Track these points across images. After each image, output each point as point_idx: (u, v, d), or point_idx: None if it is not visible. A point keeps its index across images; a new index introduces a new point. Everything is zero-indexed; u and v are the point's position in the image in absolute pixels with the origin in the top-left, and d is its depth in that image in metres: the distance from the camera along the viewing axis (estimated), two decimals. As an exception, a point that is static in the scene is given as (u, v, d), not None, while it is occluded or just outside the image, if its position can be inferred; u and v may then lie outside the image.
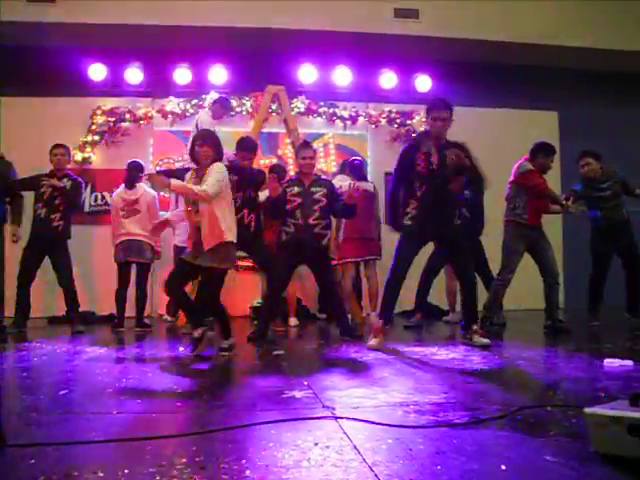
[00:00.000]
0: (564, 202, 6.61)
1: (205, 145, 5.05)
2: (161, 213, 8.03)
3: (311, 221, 6.18)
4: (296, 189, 6.29)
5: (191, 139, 5.58)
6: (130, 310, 7.44)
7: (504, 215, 6.80)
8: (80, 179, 7.46)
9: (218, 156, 5.15)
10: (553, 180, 8.00)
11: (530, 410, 3.15)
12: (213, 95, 8.34)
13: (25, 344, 6.06)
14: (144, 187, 7.64)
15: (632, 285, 7.19)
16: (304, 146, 6.65)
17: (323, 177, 7.05)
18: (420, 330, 7.32)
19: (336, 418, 3.04)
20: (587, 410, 2.44)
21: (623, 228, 7.18)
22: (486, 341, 5.57)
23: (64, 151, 7.32)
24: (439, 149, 5.68)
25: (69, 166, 7.63)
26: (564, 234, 9.13)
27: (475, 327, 5.77)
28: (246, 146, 6.69)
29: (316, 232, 6.20)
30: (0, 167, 6.99)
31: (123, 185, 7.64)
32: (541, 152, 6.72)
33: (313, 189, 6.32)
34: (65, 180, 7.16)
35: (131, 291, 7.51)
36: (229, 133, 8.42)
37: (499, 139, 9.15)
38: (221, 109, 7.70)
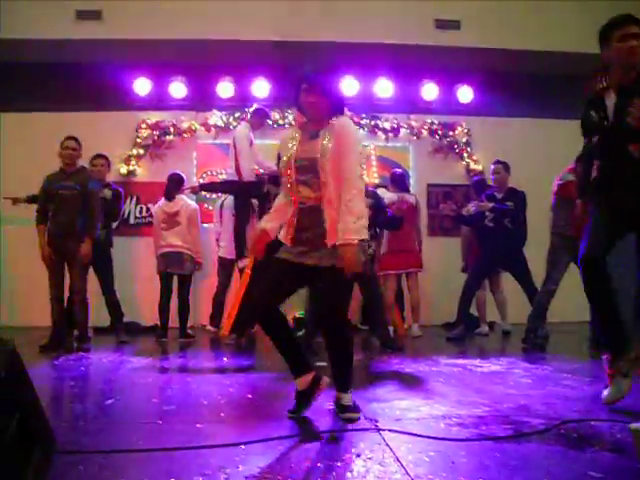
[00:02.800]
0: None
1: (312, 94, 3.47)
2: (204, 225, 8.13)
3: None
4: None
5: None
6: (174, 321, 7.52)
7: (549, 227, 6.75)
8: (121, 189, 7.57)
9: (338, 108, 3.59)
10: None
11: (574, 424, 3.12)
12: (254, 108, 8.43)
13: (72, 354, 6.17)
14: (185, 199, 7.73)
15: None
16: None
17: (369, 188, 6.92)
18: (463, 342, 7.27)
19: (379, 430, 3.05)
20: (633, 425, 2.42)
21: None
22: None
23: (104, 162, 7.43)
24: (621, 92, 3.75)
25: (110, 176, 7.76)
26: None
27: None
28: None
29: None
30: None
31: (164, 198, 7.74)
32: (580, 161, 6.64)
33: None
34: (106, 190, 7.26)
35: (175, 302, 7.59)
36: (272, 145, 8.47)
37: (546, 149, 9.06)
38: (259, 119, 7.76)
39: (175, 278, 7.59)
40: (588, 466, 2.45)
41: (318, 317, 3.44)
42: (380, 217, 6.28)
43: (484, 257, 7.57)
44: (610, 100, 3.79)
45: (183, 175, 7.91)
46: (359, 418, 3.32)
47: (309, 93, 3.47)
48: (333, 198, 3.34)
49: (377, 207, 6.32)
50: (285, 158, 3.52)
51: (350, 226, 3.20)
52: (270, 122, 8.84)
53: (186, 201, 7.73)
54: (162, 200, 7.72)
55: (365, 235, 3.33)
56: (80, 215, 6.37)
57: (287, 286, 3.52)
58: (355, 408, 3.41)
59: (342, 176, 3.32)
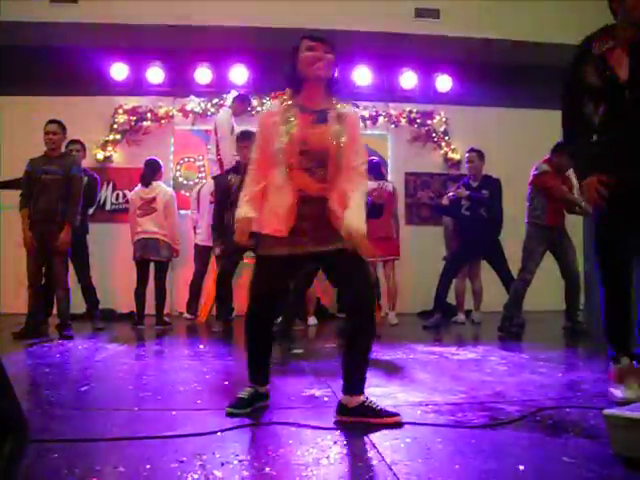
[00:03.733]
0: (582, 204, 6.44)
1: (320, 50, 3.21)
2: (180, 212, 8.09)
3: None
4: None
5: None
6: (151, 308, 7.49)
7: (525, 216, 6.79)
8: (96, 175, 7.50)
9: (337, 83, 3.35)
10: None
11: (549, 411, 3.15)
12: (234, 94, 8.38)
13: (47, 341, 6.12)
14: (161, 185, 7.69)
15: None
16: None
17: None
18: (439, 330, 7.31)
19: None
20: (607, 412, 2.43)
21: None
22: None
23: (79, 147, 7.35)
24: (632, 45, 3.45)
25: (86, 162, 7.67)
26: (585, 234, 9.08)
27: None
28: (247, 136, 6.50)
29: None
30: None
31: (140, 183, 7.68)
32: (555, 152, 6.68)
33: None
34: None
35: (151, 289, 7.55)
36: (251, 132, 8.45)
37: (522, 139, 9.10)
38: (241, 105, 7.73)
39: (152, 265, 7.55)
40: (562, 452, 2.47)
41: (353, 306, 3.05)
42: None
43: (460, 246, 7.61)
44: (617, 59, 3.43)
45: (160, 161, 7.85)
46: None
47: (317, 49, 3.17)
48: (342, 190, 3.09)
49: None
50: (284, 140, 3.07)
51: (360, 216, 3.04)
52: (249, 109, 8.78)
53: (163, 187, 7.68)
54: (138, 186, 7.67)
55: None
56: (62, 201, 6.28)
57: (284, 282, 3.34)
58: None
59: (351, 166, 3.13)
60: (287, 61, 3.28)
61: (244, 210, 3.17)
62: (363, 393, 3.09)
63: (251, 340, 3.26)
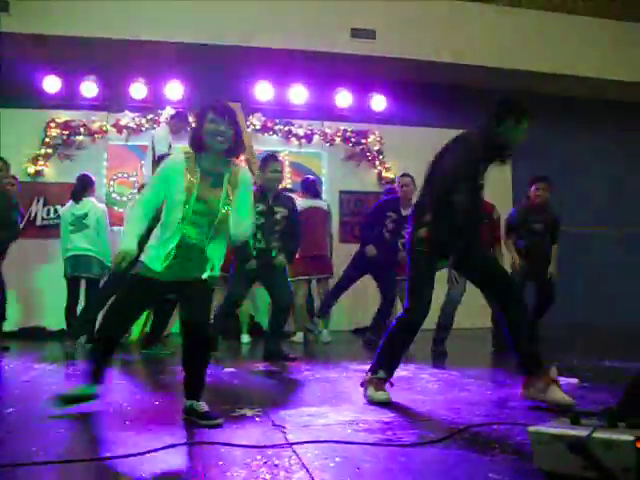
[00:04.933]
0: None
1: (222, 123, 3.50)
2: (113, 228, 7.96)
3: (273, 244, 6.06)
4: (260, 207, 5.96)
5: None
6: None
7: None
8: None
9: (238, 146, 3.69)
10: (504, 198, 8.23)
11: (477, 428, 3.21)
12: (169, 110, 8.32)
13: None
14: (93, 201, 7.55)
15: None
16: (274, 159, 6.31)
17: (285, 193, 6.74)
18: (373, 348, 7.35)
19: (286, 436, 3.05)
20: (531, 428, 2.49)
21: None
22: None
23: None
24: None
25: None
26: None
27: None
28: None
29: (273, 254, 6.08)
30: None
31: (71, 199, 7.53)
32: None
33: (276, 208, 6.10)
34: None
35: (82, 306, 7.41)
36: (182, 147, 8.39)
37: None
38: (179, 123, 7.67)
39: (83, 282, 7.41)
40: (489, 468, 2.52)
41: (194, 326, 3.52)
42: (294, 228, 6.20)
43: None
44: None
45: (92, 176, 7.73)
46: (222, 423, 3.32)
47: (219, 122, 3.46)
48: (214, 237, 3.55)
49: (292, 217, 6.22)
50: (182, 197, 3.45)
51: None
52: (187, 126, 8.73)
53: (94, 203, 7.54)
54: (70, 202, 7.52)
55: None
56: None
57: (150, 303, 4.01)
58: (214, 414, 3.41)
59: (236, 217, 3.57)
60: (194, 124, 3.72)
61: (131, 245, 3.51)
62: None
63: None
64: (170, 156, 3.88)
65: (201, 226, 3.50)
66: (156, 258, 3.50)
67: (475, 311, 7.45)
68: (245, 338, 7.85)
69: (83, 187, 7.50)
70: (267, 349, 6.16)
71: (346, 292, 7.98)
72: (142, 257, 3.56)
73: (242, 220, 3.61)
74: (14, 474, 2.49)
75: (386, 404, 3.87)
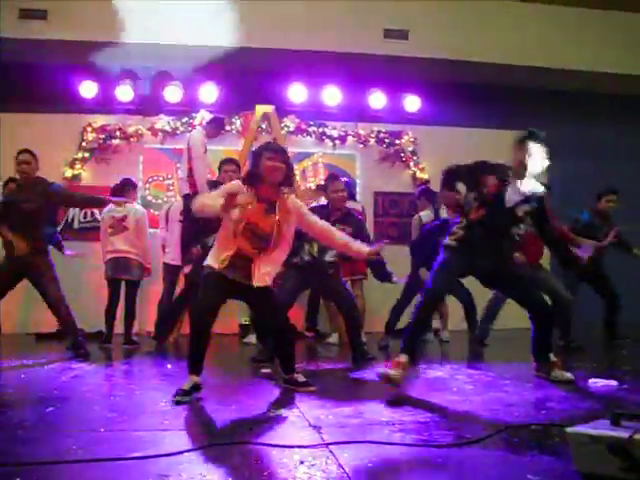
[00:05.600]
0: None
1: (277, 161, 4.35)
2: (150, 230, 8.04)
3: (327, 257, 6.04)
4: None
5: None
6: (119, 327, 7.45)
7: None
8: None
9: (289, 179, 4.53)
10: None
11: (514, 429, 3.18)
12: (204, 114, 8.37)
13: (13, 361, 6.04)
14: (133, 204, 7.65)
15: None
16: (335, 179, 6.52)
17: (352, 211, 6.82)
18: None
19: (322, 437, 3.06)
20: (569, 429, 2.47)
21: None
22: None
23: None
24: None
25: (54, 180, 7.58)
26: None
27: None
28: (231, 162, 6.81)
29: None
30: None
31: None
32: None
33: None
34: None
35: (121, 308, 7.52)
36: (219, 152, 8.46)
37: (490, 159, 9.17)
38: (216, 128, 7.70)
39: (123, 284, 7.51)
40: (527, 469, 2.50)
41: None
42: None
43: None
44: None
45: (134, 180, 7.85)
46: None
47: (275, 160, 4.29)
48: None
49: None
50: (238, 217, 4.18)
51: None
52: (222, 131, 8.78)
53: (134, 206, 7.64)
54: (110, 205, 7.61)
55: None
56: None
57: (225, 298, 4.38)
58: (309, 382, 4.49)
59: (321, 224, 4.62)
60: (251, 162, 4.53)
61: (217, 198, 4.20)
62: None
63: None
64: (234, 181, 4.71)
65: (253, 242, 4.25)
66: (216, 260, 4.25)
67: (507, 313, 7.38)
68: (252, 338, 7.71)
69: (122, 189, 7.59)
70: (354, 351, 6.13)
71: (383, 293, 7.97)
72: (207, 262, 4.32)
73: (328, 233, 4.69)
74: (56, 471, 2.54)
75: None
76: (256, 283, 4.21)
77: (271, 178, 4.31)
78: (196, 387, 4.12)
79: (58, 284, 6.30)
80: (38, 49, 8.50)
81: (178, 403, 3.87)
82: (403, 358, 4.47)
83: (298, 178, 8.85)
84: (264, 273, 4.26)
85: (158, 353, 6.80)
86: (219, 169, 7.05)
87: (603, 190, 7.49)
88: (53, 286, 6.24)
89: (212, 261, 4.28)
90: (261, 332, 6.48)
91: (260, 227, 4.25)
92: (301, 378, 4.48)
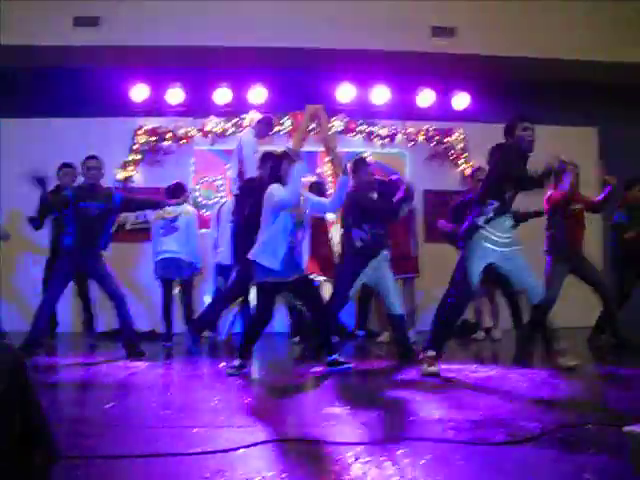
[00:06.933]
0: None
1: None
2: (201, 231, 8.15)
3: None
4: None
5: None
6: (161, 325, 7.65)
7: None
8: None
9: None
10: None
11: (569, 428, 3.15)
12: (253, 114, 8.44)
13: (70, 359, 6.18)
14: (184, 205, 7.76)
15: None
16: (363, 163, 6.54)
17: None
18: (458, 348, 7.28)
19: (375, 434, 3.07)
20: (626, 429, 2.44)
21: None
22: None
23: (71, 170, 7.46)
24: None
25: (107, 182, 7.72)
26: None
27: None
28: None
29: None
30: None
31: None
32: None
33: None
34: None
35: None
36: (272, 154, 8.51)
37: (539, 155, 9.07)
38: (265, 128, 7.74)
39: (176, 283, 7.69)
40: (583, 469, 2.48)
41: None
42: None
43: None
44: None
45: (184, 183, 7.98)
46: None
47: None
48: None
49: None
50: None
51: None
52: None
53: (185, 207, 7.75)
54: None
55: None
56: None
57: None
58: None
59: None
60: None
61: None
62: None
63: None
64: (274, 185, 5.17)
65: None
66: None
67: (561, 310, 7.29)
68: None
69: (172, 192, 7.71)
70: (400, 349, 6.22)
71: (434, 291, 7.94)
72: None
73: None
74: (118, 465, 2.60)
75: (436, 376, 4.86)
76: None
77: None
78: (242, 366, 5.06)
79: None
80: (91, 55, 8.67)
81: (230, 375, 4.96)
82: (431, 353, 5.08)
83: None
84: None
85: (212, 351, 6.89)
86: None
87: (631, 179, 7.33)
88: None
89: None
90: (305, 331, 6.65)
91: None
92: (340, 358, 5.21)
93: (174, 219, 7.58)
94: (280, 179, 5.28)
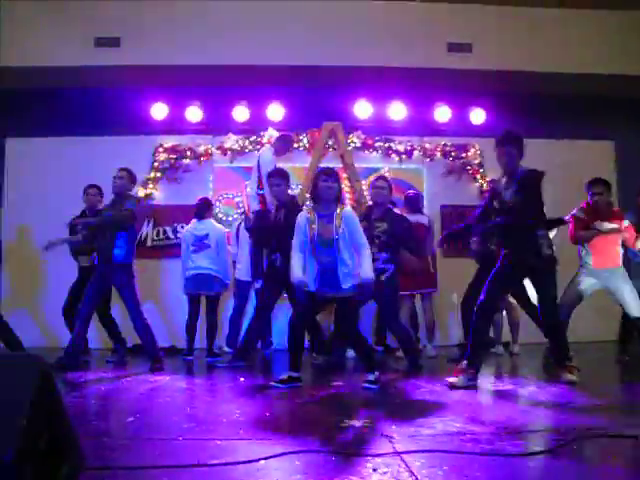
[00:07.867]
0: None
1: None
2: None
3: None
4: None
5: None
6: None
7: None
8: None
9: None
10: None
11: (587, 439, 3.17)
12: (272, 132, 8.53)
13: (93, 372, 6.26)
14: (213, 222, 7.92)
15: None
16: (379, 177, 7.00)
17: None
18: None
19: (394, 446, 3.11)
20: (642, 439, 2.47)
21: None
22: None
23: (96, 191, 7.64)
24: None
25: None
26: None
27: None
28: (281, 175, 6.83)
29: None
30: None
31: (194, 220, 7.94)
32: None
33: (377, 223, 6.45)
34: None
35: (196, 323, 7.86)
36: (287, 169, 8.56)
37: (557, 170, 9.07)
38: (284, 145, 7.83)
39: (202, 299, 7.84)
40: (601, 480, 2.51)
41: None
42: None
43: None
44: None
45: (211, 199, 8.15)
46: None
47: (328, 181, 5.26)
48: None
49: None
50: (311, 232, 5.25)
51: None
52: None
53: (214, 224, 7.93)
54: (192, 222, 7.89)
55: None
56: None
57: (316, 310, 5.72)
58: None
59: (359, 244, 5.23)
60: (311, 185, 5.47)
61: (300, 274, 5.20)
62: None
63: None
64: (300, 213, 5.46)
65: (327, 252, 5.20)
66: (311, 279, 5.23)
67: (577, 324, 7.29)
68: (351, 353, 7.82)
69: (204, 208, 7.87)
70: (409, 362, 6.48)
71: (452, 306, 7.97)
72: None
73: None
74: (141, 476, 2.66)
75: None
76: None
77: (326, 197, 5.24)
78: (291, 379, 5.27)
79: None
80: (112, 74, 8.82)
81: (274, 387, 5.21)
82: (464, 365, 5.28)
83: (366, 193, 8.92)
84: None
85: (234, 367, 6.94)
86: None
87: None
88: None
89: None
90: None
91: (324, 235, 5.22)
92: (377, 377, 5.24)
93: (205, 236, 7.72)
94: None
